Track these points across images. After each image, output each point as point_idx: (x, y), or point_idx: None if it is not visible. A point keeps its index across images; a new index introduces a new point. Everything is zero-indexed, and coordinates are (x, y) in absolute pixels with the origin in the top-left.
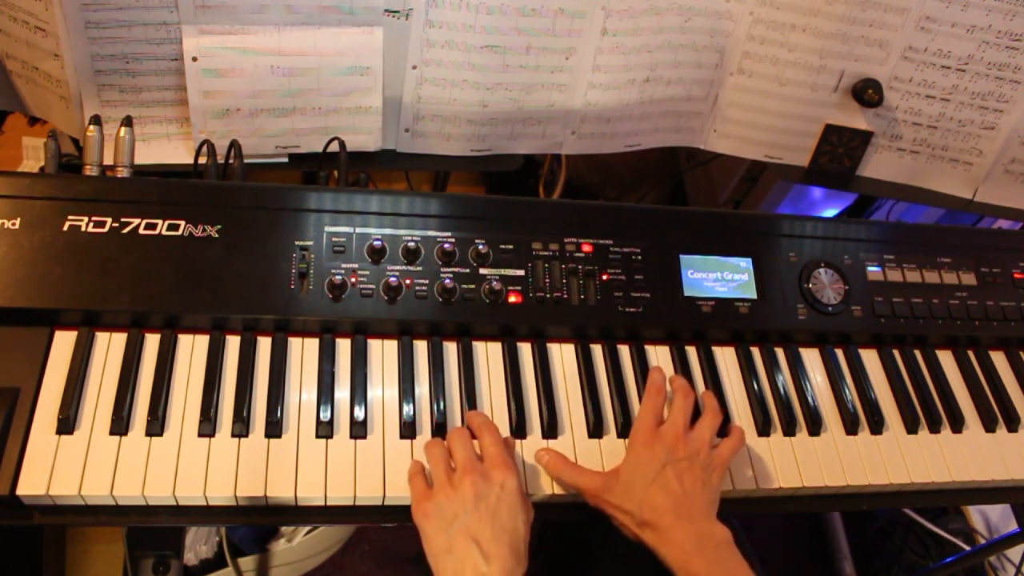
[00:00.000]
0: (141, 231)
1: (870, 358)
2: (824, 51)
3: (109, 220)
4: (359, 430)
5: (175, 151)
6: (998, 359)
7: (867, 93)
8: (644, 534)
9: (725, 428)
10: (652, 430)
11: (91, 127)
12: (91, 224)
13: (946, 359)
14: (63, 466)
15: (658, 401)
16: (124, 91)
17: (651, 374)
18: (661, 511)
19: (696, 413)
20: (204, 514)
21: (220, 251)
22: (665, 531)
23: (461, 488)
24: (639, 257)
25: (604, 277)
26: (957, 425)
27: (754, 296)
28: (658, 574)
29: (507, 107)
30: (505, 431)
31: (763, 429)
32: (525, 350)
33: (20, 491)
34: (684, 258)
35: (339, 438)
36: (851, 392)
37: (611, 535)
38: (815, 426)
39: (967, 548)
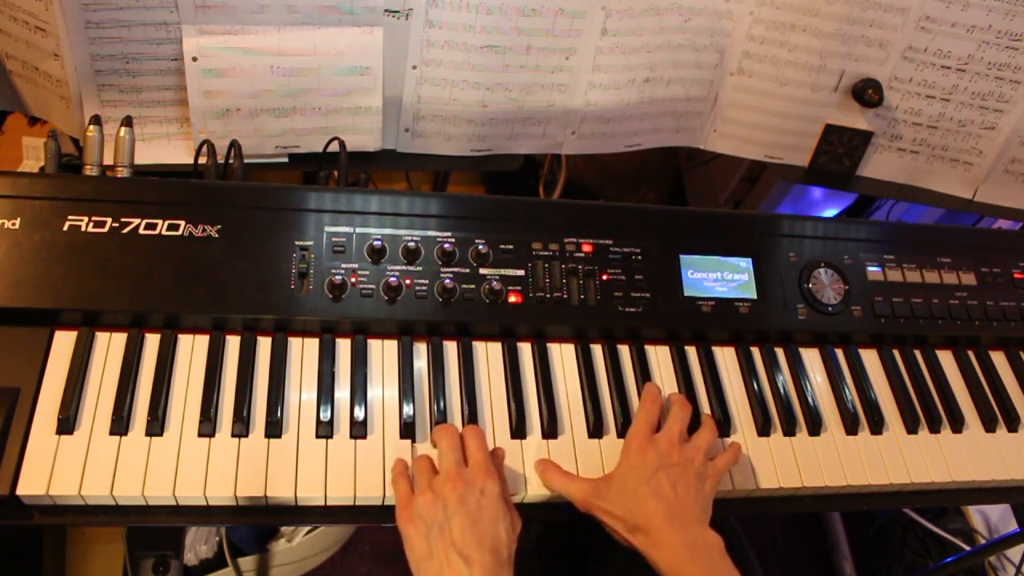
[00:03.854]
0: (141, 231)
1: (870, 358)
2: (824, 51)
3: (109, 220)
4: (359, 430)
5: (175, 151)
6: (998, 359)
7: (867, 93)
8: (636, 539)
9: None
10: (646, 436)
11: (91, 127)
12: (91, 224)
13: (946, 359)
14: (63, 466)
15: (653, 409)
16: (124, 91)
17: (647, 385)
18: (652, 515)
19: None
20: (204, 514)
21: (220, 251)
22: (656, 536)
23: (443, 494)
24: (639, 257)
25: (604, 277)
26: (957, 425)
27: (754, 296)
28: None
29: (507, 107)
30: (505, 431)
31: (763, 429)
32: (525, 350)
33: (20, 491)
34: (684, 258)
35: (339, 438)
36: (851, 392)
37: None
38: (815, 426)
39: (967, 548)
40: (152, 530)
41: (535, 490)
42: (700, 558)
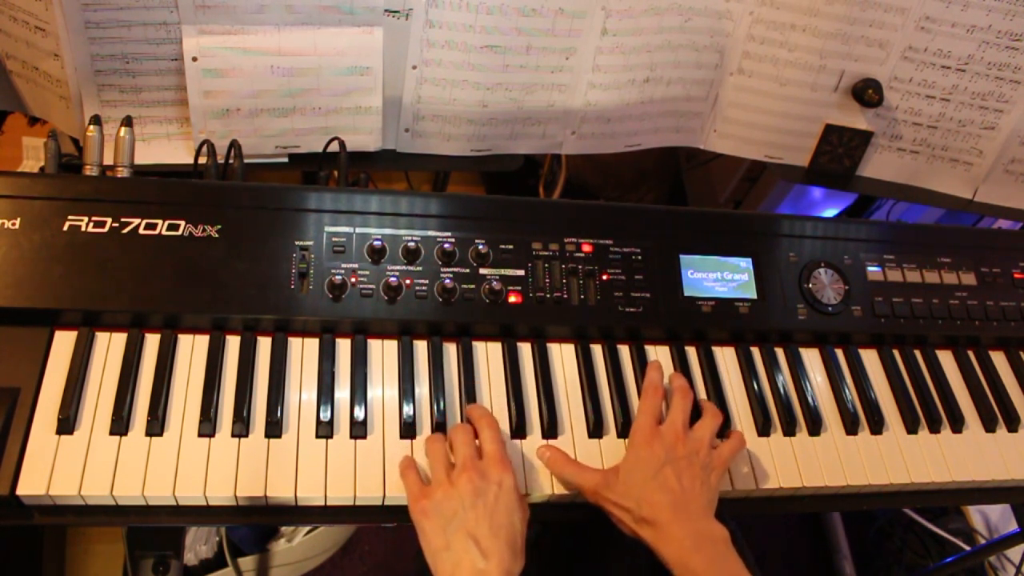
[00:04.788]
0: (141, 231)
1: (870, 358)
2: (824, 51)
3: (109, 220)
4: (359, 430)
5: (175, 151)
6: (998, 359)
7: (867, 93)
8: (642, 531)
9: (724, 431)
10: (651, 428)
11: (91, 127)
12: (91, 224)
13: (946, 359)
14: (63, 466)
15: (656, 400)
16: (124, 91)
17: (648, 372)
18: (659, 508)
19: (695, 416)
20: (204, 514)
21: (220, 251)
22: (663, 528)
23: (459, 485)
24: (639, 257)
25: (604, 277)
26: (957, 425)
27: (754, 296)
28: (656, 574)
29: (507, 107)
30: (505, 431)
31: (763, 429)
32: (525, 350)
33: (20, 491)
34: (684, 258)
35: (339, 438)
36: (851, 392)
37: (609, 536)
38: (815, 426)
39: (967, 548)
40: (152, 530)
41: (535, 491)
42: (706, 550)
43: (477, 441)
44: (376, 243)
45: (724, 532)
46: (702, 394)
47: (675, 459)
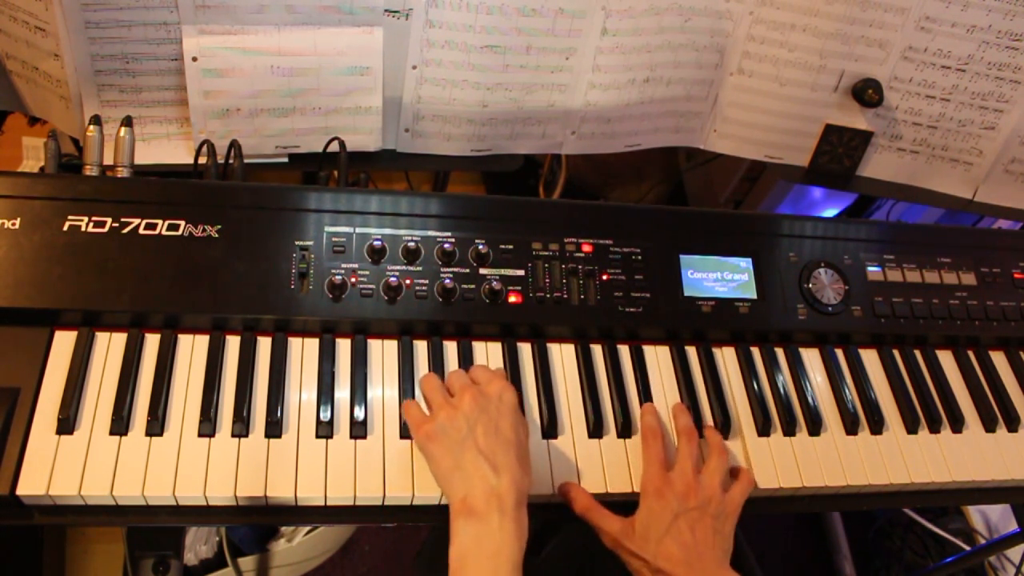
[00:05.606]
0: (141, 231)
1: (870, 358)
2: (824, 51)
3: (109, 220)
4: (359, 430)
5: (175, 151)
6: (998, 359)
7: (867, 93)
8: None
9: (727, 431)
10: (661, 477)
11: (91, 127)
12: (91, 224)
13: (946, 359)
14: (63, 466)
15: (658, 446)
16: (124, 91)
17: (643, 418)
18: (674, 562)
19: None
20: (204, 514)
21: (220, 251)
22: None
23: (461, 405)
24: (639, 257)
25: (604, 277)
26: (957, 425)
27: (754, 296)
28: None
29: (507, 107)
30: None
31: (763, 429)
32: (525, 350)
33: (20, 491)
34: (684, 258)
35: (339, 438)
36: (851, 392)
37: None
38: (815, 426)
39: (967, 548)
40: (152, 530)
41: (536, 491)
42: None
43: None
44: (376, 243)
45: None
46: (702, 394)
47: (687, 510)
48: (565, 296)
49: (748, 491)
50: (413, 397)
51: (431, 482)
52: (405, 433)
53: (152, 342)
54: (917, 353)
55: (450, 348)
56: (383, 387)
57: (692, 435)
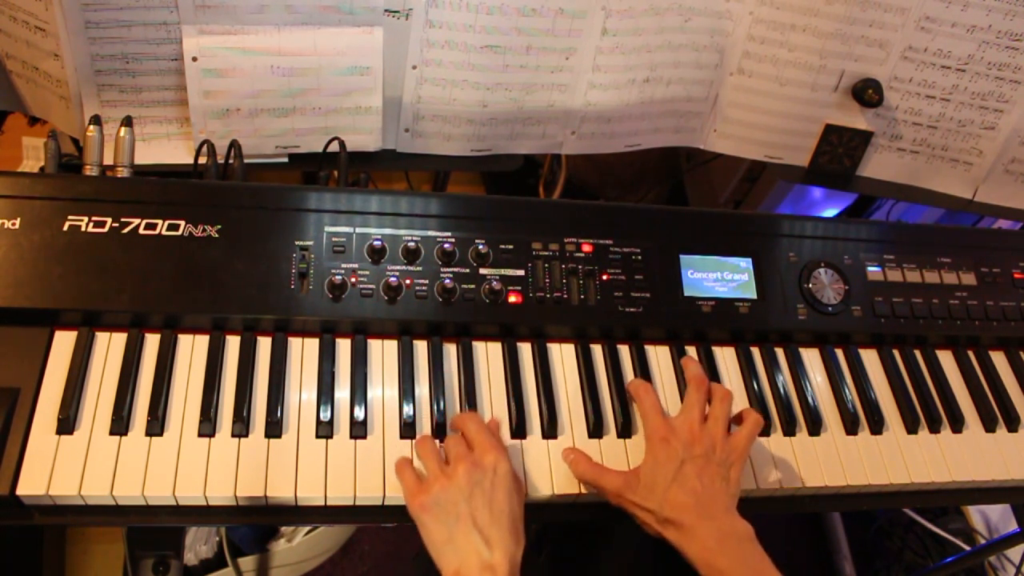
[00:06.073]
0: (141, 231)
1: (870, 358)
2: (824, 51)
3: (109, 220)
4: (359, 430)
5: (175, 151)
6: (998, 359)
7: (867, 93)
8: (667, 532)
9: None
10: (664, 426)
11: (91, 127)
12: (91, 224)
13: (946, 359)
14: (63, 466)
15: (652, 397)
16: (124, 91)
17: (631, 383)
18: (682, 509)
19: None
20: (204, 514)
21: (220, 251)
22: (688, 529)
23: (456, 477)
24: (639, 257)
25: (604, 277)
26: (957, 425)
27: (754, 296)
28: (658, 574)
29: (507, 107)
30: (505, 431)
31: (763, 429)
32: (525, 350)
33: (20, 491)
34: (684, 258)
35: (339, 438)
36: (851, 392)
37: (611, 535)
38: (815, 426)
39: (967, 548)
40: (152, 530)
41: (536, 491)
42: (731, 548)
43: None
44: (376, 243)
45: (748, 528)
46: None
47: (693, 457)
48: (565, 296)
49: (755, 433)
50: (413, 398)
51: None
52: (405, 433)
53: (152, 342)
54: (917, 353)
55: (450, 348)
56: (383, 387)
57: (701, 383)
